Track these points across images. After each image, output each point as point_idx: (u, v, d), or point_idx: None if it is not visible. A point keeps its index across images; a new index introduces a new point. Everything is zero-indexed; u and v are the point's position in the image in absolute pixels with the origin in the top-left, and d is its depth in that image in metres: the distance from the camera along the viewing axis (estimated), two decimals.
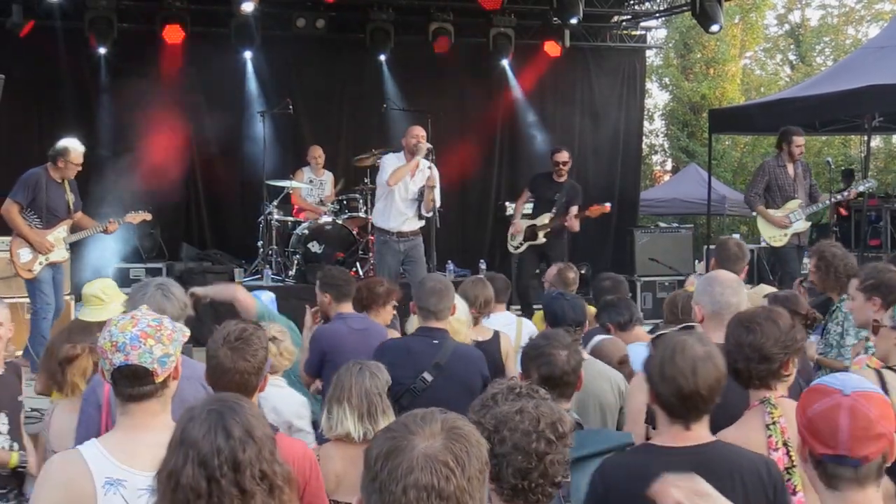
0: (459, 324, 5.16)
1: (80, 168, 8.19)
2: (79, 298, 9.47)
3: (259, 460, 2.27)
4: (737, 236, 13.98)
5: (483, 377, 4.67)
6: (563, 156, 10.44)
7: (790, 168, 9.72)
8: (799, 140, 9.71)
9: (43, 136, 11.32)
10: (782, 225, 9.59)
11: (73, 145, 8.11)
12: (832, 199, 10.11)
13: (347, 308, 5.82)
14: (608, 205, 10.47)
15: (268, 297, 6.12)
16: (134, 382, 2.83)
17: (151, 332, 2.85)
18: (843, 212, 10.07)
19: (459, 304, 5.28)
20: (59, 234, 8.12)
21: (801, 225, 9.64)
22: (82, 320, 4.93)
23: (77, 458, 2.76)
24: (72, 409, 3.94)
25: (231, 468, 2.22)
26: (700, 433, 2.93)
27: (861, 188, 10.64)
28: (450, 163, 9.42)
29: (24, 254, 7.98)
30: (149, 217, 8.69)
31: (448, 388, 4.46)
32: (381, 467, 1.77)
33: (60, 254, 8.16)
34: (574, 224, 10.13)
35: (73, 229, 8.28)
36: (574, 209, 10.11)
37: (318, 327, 5.76)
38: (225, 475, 2.22)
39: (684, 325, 3.66)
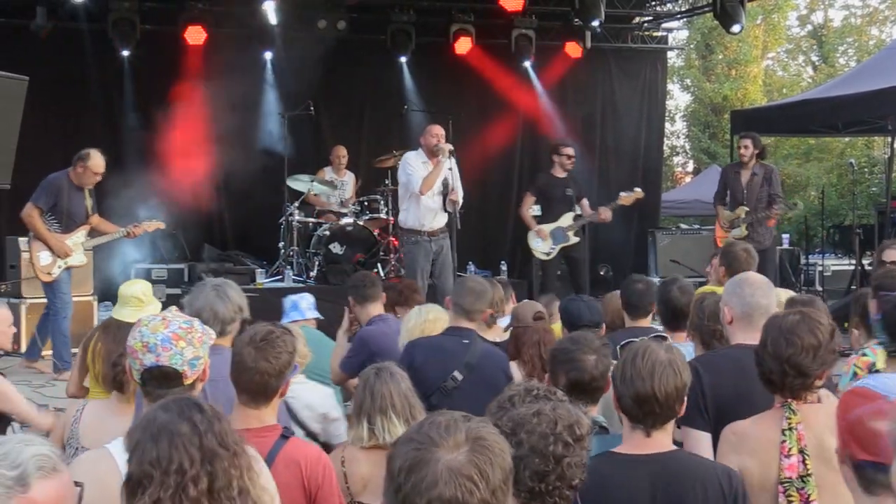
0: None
1: (98, 178, 8.19)
2: (101, 298, 9.62)
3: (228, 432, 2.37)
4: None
5: (507, 375, 4.69)
6: (571, 150, 10.44)
7: (743, 174, 10.10)
8: (739, 141, 10.27)
9: (66, 138, 11.39)
10: (723, 229, 10.16)
11: (94, 153, 8.13)
12: (754, 216, 10.02)
13: (375, 310, 5.87)
14: (639, 189, 10.34)
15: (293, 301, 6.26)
16: (163, 384, 2.86)
17: (183, 334, 2.88)
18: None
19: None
20: (77, 239, 8.18)
21: (738, 232, 9.87)
22: (119, 320, 4.90)
23: (106, 456, 2.79)
24: (109, 409, 3.85)
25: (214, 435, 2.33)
26: (661, 441, 2.91)
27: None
28: (470, 164, 9.40)
29: (44, 257, 8.04)
30: (162, 226, 8.75)
31: (476, 387, 4.44)
32: (405, 480, 1.78)
33: (79, 258, 8.23)
34: (608, 216, 10.12)
35: (93, 234, 8.33)
36: (607, 206, 10.10)
37: (366, 329, 5.76)
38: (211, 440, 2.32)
39: (656, 335, 3.60)
